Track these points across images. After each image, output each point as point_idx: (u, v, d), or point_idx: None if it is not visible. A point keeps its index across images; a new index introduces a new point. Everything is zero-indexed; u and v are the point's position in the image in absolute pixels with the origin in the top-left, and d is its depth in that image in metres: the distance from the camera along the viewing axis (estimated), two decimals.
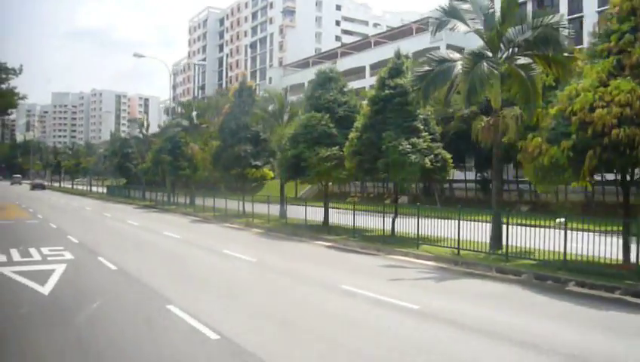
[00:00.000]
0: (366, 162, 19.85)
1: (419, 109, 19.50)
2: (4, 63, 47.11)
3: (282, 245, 19.71)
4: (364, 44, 73.34)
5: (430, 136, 19.54)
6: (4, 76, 47.13)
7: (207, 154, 35.82)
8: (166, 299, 10.00)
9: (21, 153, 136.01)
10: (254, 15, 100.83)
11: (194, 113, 44.59)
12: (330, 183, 28.10)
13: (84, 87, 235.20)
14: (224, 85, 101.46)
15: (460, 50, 45.02)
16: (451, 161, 20.18)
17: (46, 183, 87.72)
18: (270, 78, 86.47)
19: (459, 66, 15.94)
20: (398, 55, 20.66)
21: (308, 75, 66.44)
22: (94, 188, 72.83)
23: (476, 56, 15.86)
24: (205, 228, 26.16)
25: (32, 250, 15.67)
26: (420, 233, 17.14)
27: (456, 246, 15.66)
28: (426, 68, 16.23)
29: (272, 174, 32.54)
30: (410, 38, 62.01)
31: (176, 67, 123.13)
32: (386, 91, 19.73)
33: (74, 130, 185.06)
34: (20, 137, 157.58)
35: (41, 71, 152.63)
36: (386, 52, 61.91)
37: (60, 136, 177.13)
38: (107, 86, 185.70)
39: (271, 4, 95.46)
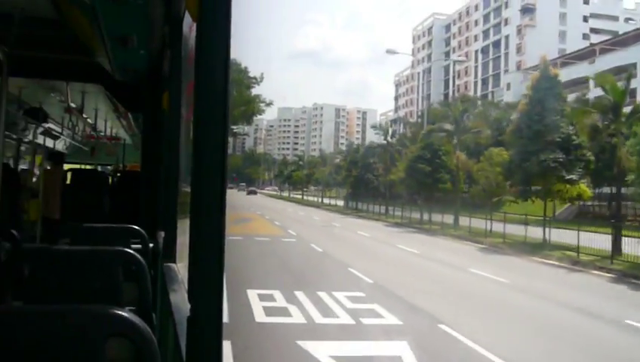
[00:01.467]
0: None
1: None
2: (248, 71, 47.82)
3: None
4: (633, 37, 61.31)
5: None
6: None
7: (485, 165, 29.61)
8: None
9: (250, 164, 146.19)
10: (486, 17, 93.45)
11: (464, 115, 38.25)
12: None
13: (305, 103, 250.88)
14: (451, 94, 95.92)
15: None
16: None
17: (257, 190, 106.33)
18: (508, 85, 78.59)
19: None
20: None
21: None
22: (325, 200, 71.19)
23: None
24: (511, 263, 19.97)
25: (324, 296, 11.50)
26: None
27: None
28: None
29: (589, 192, 25.88)
30: None
31: (398, 78, 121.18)
32: None
33: (296, 143, 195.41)
34: (250, 151, 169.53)
35: (271, 90, 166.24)
36: None
37: (283, 149, 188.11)
38: (326, 101, 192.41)
39: (506, 4, 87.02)
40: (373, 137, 69.66)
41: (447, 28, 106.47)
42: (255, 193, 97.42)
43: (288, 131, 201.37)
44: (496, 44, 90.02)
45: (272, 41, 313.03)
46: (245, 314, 9.60)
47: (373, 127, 55.28)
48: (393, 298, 12.01)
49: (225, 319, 8.58)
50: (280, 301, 10.93)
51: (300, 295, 11.38)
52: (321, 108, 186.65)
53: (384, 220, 41.15)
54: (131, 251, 2.50)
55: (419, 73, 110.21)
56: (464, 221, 29.88)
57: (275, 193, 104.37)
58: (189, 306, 1.38)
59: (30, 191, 9.12)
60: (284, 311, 10.12)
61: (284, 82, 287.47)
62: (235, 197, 70.60)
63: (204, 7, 1.35)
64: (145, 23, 3.43)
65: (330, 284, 12.77)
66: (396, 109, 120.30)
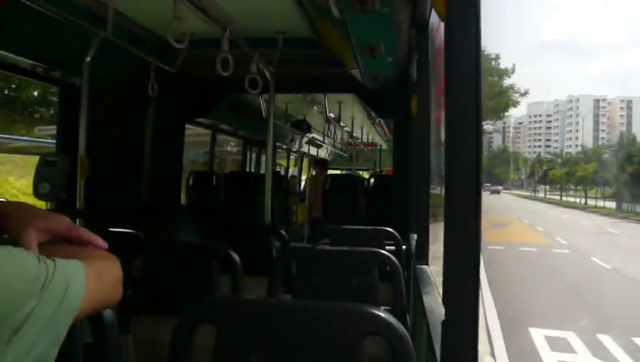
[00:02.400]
0: None
1: None
2: (499, 58, 44.59)
3: None
4: None
5: None
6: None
7: None
8: None
9: (499, 164, 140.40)
10: None
11: None
12: None
13: (559, 95, 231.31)
14: None
15: None
16: None
17: (500, 188, 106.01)
18: None
19: None
20: None
21: None
22: (591, 202, 62.02)
23: None
24: None
25: None
26: None
27: None
28: None
29: None
30: None
31: None
32: None
33: (548, 140, 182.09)
34: (499, 150, 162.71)
35: (521, 85, 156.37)
36: None
37: (534, 146, 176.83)
38: (583, 92, 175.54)
39: None
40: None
41: None
42: (499, 192, 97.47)
43: (539, 128, 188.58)
44: None
45: (521, 33, 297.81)
46: None
47: None
48: None
49: None
50: (581, 351, 7.85)
51: (607, 341, 8.20)
52: (577, 100, 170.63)
53: None
54: (386, 253, 2.57)
55: None
56: None
57: (527, 194, 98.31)
58: (443, 310, 1.36)
59: (298, 196, 10.17)
60: None
61: (534, 76, 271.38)
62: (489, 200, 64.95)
63: (452, 5, 1.32)
64: (391, 30, 3.53)
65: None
66: None
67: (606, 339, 8.37)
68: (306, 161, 13.20)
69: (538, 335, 8.44)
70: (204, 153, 9.20)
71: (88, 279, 0.88)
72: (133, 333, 2.45)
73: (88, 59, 3.42)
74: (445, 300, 1.36)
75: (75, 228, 1.03)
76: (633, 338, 8.38)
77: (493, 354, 7.56)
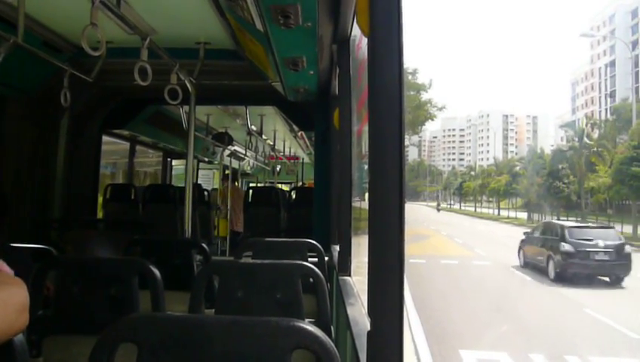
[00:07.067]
0: None
1: None
2: (417, 72, 46.18)
3: None
4: None
5: None
6: None
7: None
8: None
9: (414, 177, 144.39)
10: None
11: None
12: None
13: (472, 110, 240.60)
14: None
15: None
16: None
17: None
18: None
19: None
20: None
21: None
22: (503, 212, 64.80)
23: None
24: None
25: None
26: None
27: None
28: None
29: None
30: None
31: (575, 77, 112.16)
32: None
33: (462, 153, 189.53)
34: (415, 163, 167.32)
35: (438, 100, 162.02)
36: None
37: (448, 160, 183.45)
38: (495, 107, 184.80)
39: None
40: (544, 143, 63.90)
41: (634, 13, 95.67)
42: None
43: (453, 141, 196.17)
44: None
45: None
46: None
47: (561, 126, 49.25)
48: None
49: None
50: None
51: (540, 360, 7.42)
52: (487, 115, 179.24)
53: None
54: (310, 265, 2.56)
55: (600, 68, 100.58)
56: None
57: (444, 206, 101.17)
58: (367, 320, 1.37)
59: (219, 209, 10.05)
60: None
61: (448, 91, 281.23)
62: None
63: (374, 21, 1.35)
64: (313, 44, 3.57)
65: (575, 340, 8.93)
66: (573, 111, 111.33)
67: (539, 359, 7.98)
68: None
69: (470, 358, 7.90)
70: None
71: None
72: (44, 356, 2.31)
73: None
74: (370, 311, 1.37)
75: None
76: (564, 356, 8.02)
77: None
